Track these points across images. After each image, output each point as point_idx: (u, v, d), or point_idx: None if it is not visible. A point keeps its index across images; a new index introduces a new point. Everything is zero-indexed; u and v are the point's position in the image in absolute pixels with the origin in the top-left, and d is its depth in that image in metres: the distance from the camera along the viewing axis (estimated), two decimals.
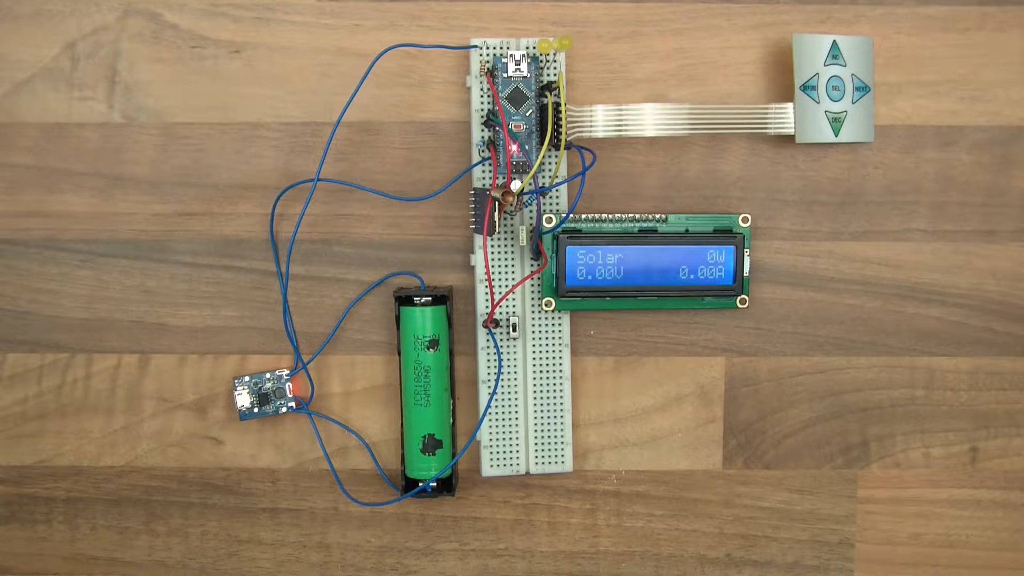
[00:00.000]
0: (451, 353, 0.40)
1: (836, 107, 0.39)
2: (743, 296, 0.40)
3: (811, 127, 0.39)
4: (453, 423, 0.41)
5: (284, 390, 0.41)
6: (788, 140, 0.40)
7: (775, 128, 0.39)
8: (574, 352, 0.41)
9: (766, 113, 0.39)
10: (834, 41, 0.39)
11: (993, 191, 0.41)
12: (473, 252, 0.40)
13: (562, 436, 0.41)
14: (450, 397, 0.41)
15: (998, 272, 0.41)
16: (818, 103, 0.39)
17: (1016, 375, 0.42)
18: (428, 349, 0.39)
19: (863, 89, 0.40)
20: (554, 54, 0.39)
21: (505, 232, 0.40)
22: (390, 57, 0.40)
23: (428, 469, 0.40)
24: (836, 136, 0.39)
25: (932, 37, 0.41)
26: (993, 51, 0.41)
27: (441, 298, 0.40)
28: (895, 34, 0.41)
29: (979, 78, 0.41)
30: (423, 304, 0.39)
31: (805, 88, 0.39)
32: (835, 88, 0.39)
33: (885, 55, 0.41)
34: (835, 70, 0.39)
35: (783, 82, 0.40)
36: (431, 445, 0.40)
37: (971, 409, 0.42)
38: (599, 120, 0.38)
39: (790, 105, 0.39)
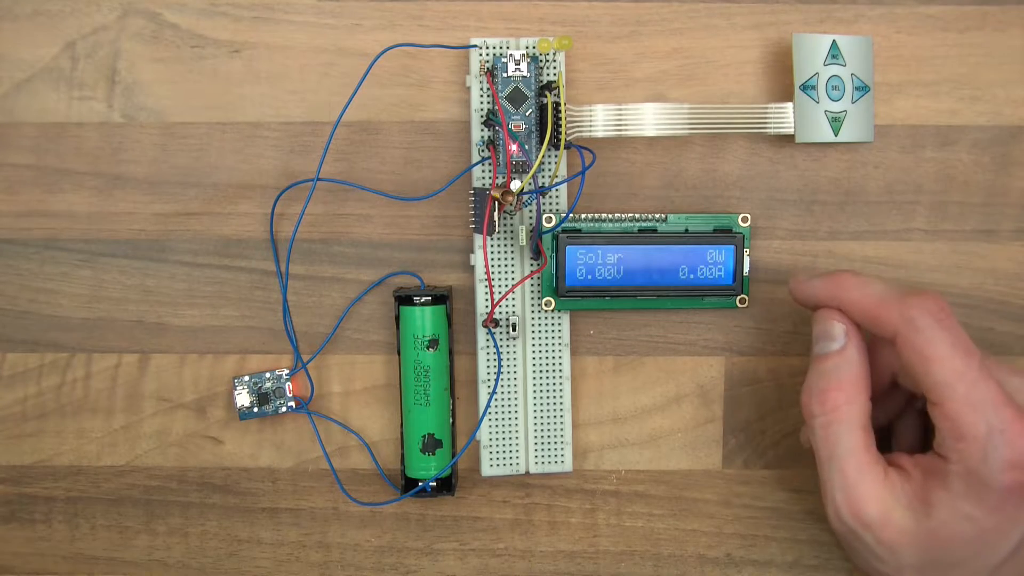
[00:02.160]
0: (451, 353, 0.40)
1: (836, 107, 0.39)
2: (743, 296, 0.40)
3: (811, 127, 0.39)
4: (453, 423, 0.41)
5: (284, 390, 0.41)
6: (788, 140, 0.40)
7: (775, 128, 0.39)
8: (574, 352, 0.41)
9: (766, 113, 0.39)
10: (834, 41, 0.39)
11: (993, 191, 0.41)
12: (473, 252, 0.40)
13: (562, 436, 0.41)
14: (450, 397, 0.41)
15: (998, 272, 0.41)
16: (818, 103, 0.39)
17: None
18: (428, 349, 0.39)
19: (863, 89, 0.40)
20: (553, 54, 0.39)
21: (505, 232, 0.40)
22: (390, 57, 0.40)
23: (428, 469, 0.40)
24: (836, 136, 0.39)
25: (932, 37, 0.41)
26: (993, 51, 0.41)
27: (441, 298, 0.40)
28: (895, 33, 0.41)
29: (979, 78, 0.41)
30: (423, 304, 0.39)
31: (805, 88, 0.39)
32: (835, 88, 0.39)
33: (885, 55, 0.41)
34: (835, 70, 0.39)
35: (783, 82, 0.40)
36: (431, 445, 0.40)
37: None
38: (599, 120, 0.38)
39: (790, 105, 0.39)
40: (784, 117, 0.39)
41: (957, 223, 0.41)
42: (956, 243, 0.41)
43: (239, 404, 0.41)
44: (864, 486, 0.34)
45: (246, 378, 0.41)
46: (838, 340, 0.36)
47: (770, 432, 0.42)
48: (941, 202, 0.41)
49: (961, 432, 0.33)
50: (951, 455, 0.33)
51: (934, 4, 0.41)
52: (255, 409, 0.41)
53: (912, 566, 0.34)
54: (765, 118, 0.39)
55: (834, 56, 0.39)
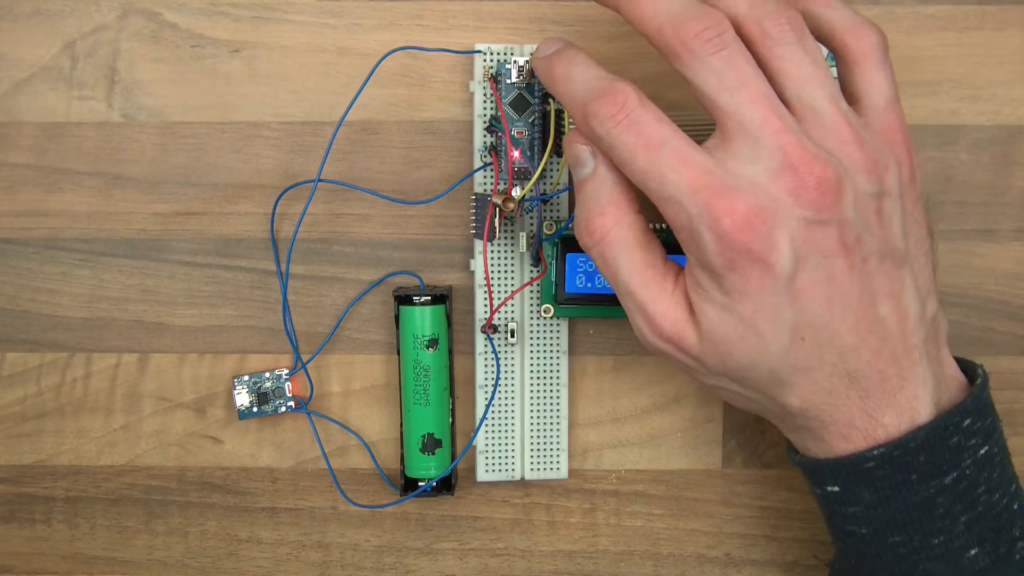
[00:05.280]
0: (450, 352, 0.40)
1: None
2: None
3: None
4: (452, 422, 0.41)
5: (283, 389, 0.41)
6: None
7: None
8: (573, 351, 0.41)
9: None
10: None
11: (993, 191, 0.41)
12: (473, 256, 0.40)
13: (558, 443, 0.41)
14: (449, 396, 0.41)
15: (998, 272, 0.41)
16: None
17: (1015, 375, 0.42)
18: (427, 348, 0.39)
19: None
20: None
21: (505, 238, 0.40)
22: (390, 57, 0.40)
23: (427, 468, 0.40)
24: None
25: (931, 36, 0.41)
26: (992, 50, 0.41)
27: (440, 297, 0.40)
28: (894, 33, 0.41)
29: (978, 77, 0.41)
30: (422, 303, 0.39)
31: None
32: None
33: None
34: (833, 72, 0.39)
35: None
36: (430, 444, 0.40)
37: None
38: None
39: None
40: None
41: (957, 223, 0.41)
42: (956, 243, 0.41)
43: (239, 404, 0.41)
44: (653, 305, 0.32)
45: (246, 378, 0.41)
46: (587, 164, 0.33)
47: (770, 432, 0.42)
48: (941, 202, 0.41)
49: (672, 224, 0.31)
50: (685, 249, 0.31)
51: (933, 4, 0.41)
52: (255, 409, 0.41)
53: (722, 373, 0.33)
54: None
55: (831, 58, 0.39)
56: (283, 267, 0.41)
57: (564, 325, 0.40)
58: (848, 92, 0.33)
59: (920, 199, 0.33)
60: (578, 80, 0.32)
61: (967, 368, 0.35)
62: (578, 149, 0.33)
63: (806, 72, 0.31)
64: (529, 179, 0.38)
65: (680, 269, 0.33)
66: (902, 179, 0.32)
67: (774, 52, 0.31)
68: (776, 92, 0.31)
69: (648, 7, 0.32)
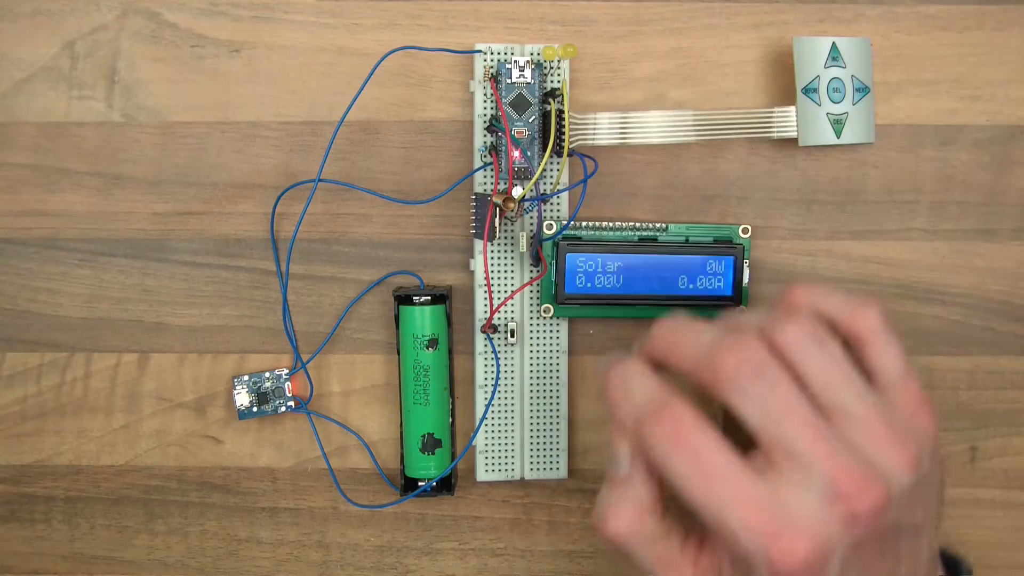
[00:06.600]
0: (450, 352, 0.40)
1: (837, 109, 0.39)
2: (742, 307, 0.40)
3: (813, 130, 0.39)
4: (452, 422, 0.41)
5: (283, 389, 0.41)
6: (788, 140, 0.40)
7: (778, 132, 0.39)
8: (574, 351, 0.41)
9: (770, 117, 0.39)
10: (833, 43, 0.39)
11: (993, 190, 0.41)
12: (473, 256, 0.40)
13: (558, 442, 0.41)
14: (449, 396, 0.41)
15: (998, 272, 0.41)
16: (819, 105, 0.39)
17: (1015, 374, 0.42)
18: (427, 348, 0.39)
19: (863, 90, 0.40)
20: (558, 61, 0.39)
21: (505, 238, 0.40)
22: (390, 57, 0.40)
23: (427, 468, 0.40)
24: (838, 138, 0.39)
25: (931, 36, 0.41)
26: (992, 50, 0.41)
27: (440, 297, 0.40)
28: (894, 33, 0.41)
29: (978, 77, 0.41)
30: (422, 303, 0.39)
31: (807, 91, 0.39)
32: (836, 90, 0.39)
33: (884, 54, 0.41)
34: (835, 72, 0.39)
35: (782, 82, 0.40)
36: (430, 444, 0.40)
37: (970, 408, 0.42)
38: (602, 128, 0.38)
39: (792, 108, 0.39)
40: (787, 121, 0.39)
41: (957, 223, 0.41)
42: (956, 243, 0.41)
43: (238, 404, 0.41)
44: None
45: (245, 378, 0.41)
46: (621, 468, 0.33)
47: None
48: (941, 202, 0.41)
49: (725, 545, 0.31)
50: (733, 568, 0.32)
51: (933, 4, 0.41)
52: (254, 409, 0.41)
53: None
54: (768, 122, 0.39)
55: (834, 58, 0.39)
56: (283, 267, 0.41)
57: (564, 325, 0.40)
58: (863, 368, 0.33)
59: (942, 462, 0.34)
60: (635, 394, 0.32)
61: (952, 561, 0.36)
62: (618, 449, 0.33)
63: (833, 377, 0.31)
64: (529, 179, 0.38)
65: (698, 549, 0.33)
66: (932, 453, 0.32)
67: (802, 365, 0.31)
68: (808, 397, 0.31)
69: (685, 349, 0.32)
